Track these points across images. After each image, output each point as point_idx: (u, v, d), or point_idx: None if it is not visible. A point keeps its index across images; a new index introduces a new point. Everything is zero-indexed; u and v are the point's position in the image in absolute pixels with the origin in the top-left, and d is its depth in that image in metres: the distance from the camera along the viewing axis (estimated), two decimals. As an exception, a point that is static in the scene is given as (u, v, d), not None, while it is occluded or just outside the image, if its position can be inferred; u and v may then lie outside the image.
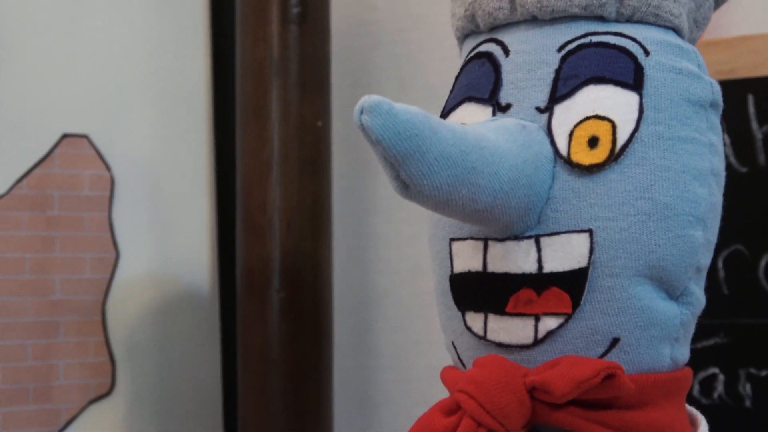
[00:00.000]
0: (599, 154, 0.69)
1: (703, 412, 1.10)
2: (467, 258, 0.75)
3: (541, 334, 0.70)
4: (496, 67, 0.77)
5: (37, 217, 1.25)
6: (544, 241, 0.70)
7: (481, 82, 0.78)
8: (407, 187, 0.64)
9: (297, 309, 1.29)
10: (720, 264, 1.16)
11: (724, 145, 1.12)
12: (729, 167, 1.11)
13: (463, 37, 0.82)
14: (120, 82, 1.32)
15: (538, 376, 0.67)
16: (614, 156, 0.68)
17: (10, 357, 1.22)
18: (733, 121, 1.15)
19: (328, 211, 1.34)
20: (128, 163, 1.33)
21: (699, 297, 0.73)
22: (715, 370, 1.16)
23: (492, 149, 0.67)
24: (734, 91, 1.13)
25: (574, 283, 0.69)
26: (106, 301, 1.31)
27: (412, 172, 0.63)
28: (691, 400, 1.11)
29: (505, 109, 0.75)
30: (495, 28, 0.79)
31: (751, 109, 1.15)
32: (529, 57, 0.75)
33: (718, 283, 1.16)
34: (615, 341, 0.69)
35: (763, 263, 1.14)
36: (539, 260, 0.70)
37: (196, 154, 1.42)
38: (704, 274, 0.74)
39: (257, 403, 1.30)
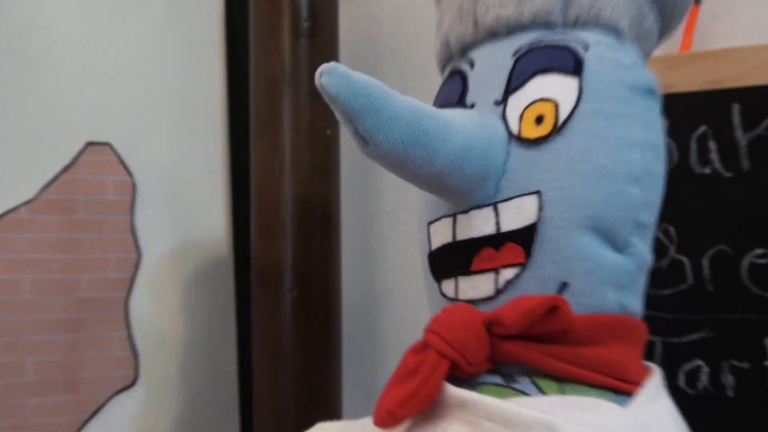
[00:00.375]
0: (545, 129, 0.76)
1: (688, 402, 1.12)
2: (440, 234, 0.81)
3: (501, 284, 0.76)
4: (464, 78, 0.84)
5: (64, 220, 1.26)
6: (501, 206, 0.77)
7: (452, 92, 0.84)
8: (366, 143, 0.71)
9: (308, 306, 1.31)
10: (705, 263, 1.19)
11: (710, 151, 1.17)
12: (715, 172, 1.16)
13: (443, 66, 0.89)
14: (141, 93, 1.35)
15: (492, 312, 0.72)
16: (557, 129, 0.75)
17: (40, 351, 1.22)
18: (719, 128, 1.18)
19: (337, 213, 1.36)
20: (149, 169, 1.35)
21: (643, 251, 0.79)
22: (700, 362, 1.18)
23: (446, 120, 0.74)
24: (720, 100, 1.19)
25: (526, 237, 0.75)
26: (129, 298, 1.33)
27: (367, 127, 0.70)
28: (677, 390, 1.14)
29: (470, 108, 0.82)
30: (465, 49, 0.86)
31: (736, 118, 1.18)
32: (490, 65, 0.82)
33: (704, 280, 1.19)
34: (564, 285, 0.75)
35: (745, 262, 1.16)
36: (497, 223, 0.77)
37: (213, 160, 1.44)
38: (648, 232, 0.80)
39: (271, 394, 1.31)
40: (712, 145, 1.19)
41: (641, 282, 0.80)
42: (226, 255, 1.46)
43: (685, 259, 1.20)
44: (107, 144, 1.32)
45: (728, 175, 1.18)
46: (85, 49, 1.30)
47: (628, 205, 0.76)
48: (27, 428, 1.22)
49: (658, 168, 0.80)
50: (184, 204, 1.41)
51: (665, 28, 0.90)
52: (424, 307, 0.86)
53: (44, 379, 1.25)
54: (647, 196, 0.78)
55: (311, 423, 0.98)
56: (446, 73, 0.87)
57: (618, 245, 0.77)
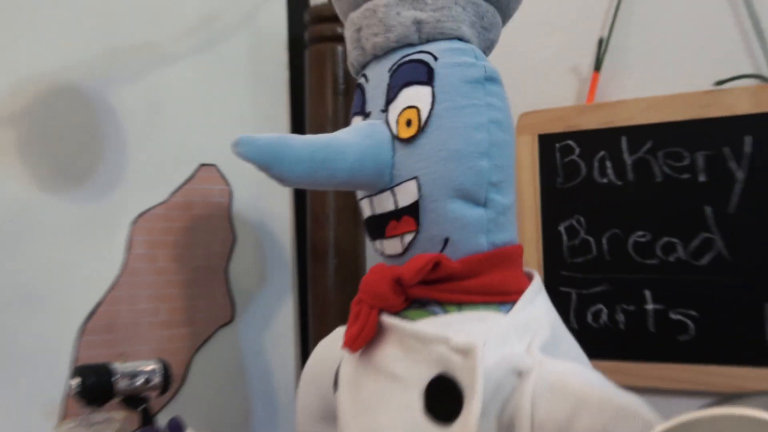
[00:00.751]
0: (413, 130, 0.74)
1: (593, 333, 1.14)
2: (366, 209, 0.81)
3: (405, 245, 0.76)
4: (363, 91, 0.82)
5: (185, 215, 1.26)
6: (396, 189, 0.76)
7: (358, 102, 0.83)
8: (282, 181, 0.72)
9: (344, 270, 1.30)
10: (604, 241, 1.19)
11: (607, 168, 1.18)
12: (610, 182, 1.18)
13: (355, 77, 0.87)
14: (235, 132, 1.27)
15: (397, 271, 0.73)
16: (421, 128, 0.74)
17: (170, 300, 1.24)
18: (613, 153, 1.18)
19: None
20: (240, 181, 1.35)
21: (501, 201, 0.77)
22: (601, 306, 1.19)
23: (340, 143, 0.74)
24: (613, 134, 1.19)
25: (414, 210, 0.75)
26: (228, 266, 1.33)
27: (277, 172, 0.70)
28: (586, 325, 1.17)
29: (368, 115, 0.80)
30: (362, 68, 0.84)
31: (624, 146, 1.18)
32: (377, 79, 0.80)
33: (603, 252, 1.19)
34: (447, 240, 0.75)
35: (631, 240, 1.17)
36: (395, 202, 0.76)
37: None
38: (503, 185, 0.77)
39: (320, 329, 1.30)
40: (608, 164, 1.19)
41: (507, 219, 0.79)
42: (290, 236, 1.44)
43: (591, 239, 1.21)
44: (213, 165, 1.31)
45: (619, 183, 1.19)
46: (199, 106, 1.30)
47: (481, 174, 0.75)
48: (162, 350, 1.21)
49: (504, 136, 0.78)
50: (263, 203, 1.39)
51: (505, 17, 0.87)
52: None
53: (172, 319, 1.25)
54: (496, 161, 0.76)
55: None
56: (356, 86, 0.85)
57: (480, 203, 0.75)
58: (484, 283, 0.74)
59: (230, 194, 1.35)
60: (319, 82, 1.32)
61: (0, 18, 1.07)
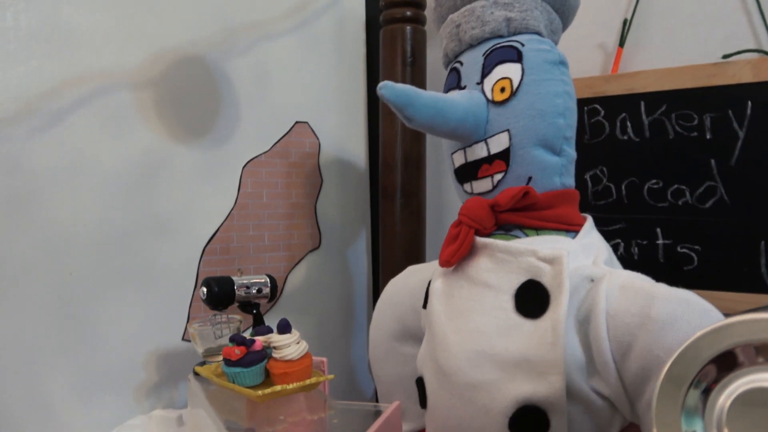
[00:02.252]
0: (506, 95, 0.77)
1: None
2: (459, 159, 0.83)
3: (494, 183, 0.79)
4: (458, 72, 0.84)
5: (284, 162, 1.28)
6: (489, 140, 0.78)
7: (453, 80, 0.85)
8: (410, 121, 0.75)
9: (409, 207, 1.31)
10: (623, 187, 1.16)
11: (627, 127, 1.15)
12: (629, 138, 1.14)
13: (446, 67, 0.90)
14: (323, 97, 1.36)
15: (493, 199, 0.77)
16: (513, 93, 0.77)
17: (272, 229, 1.25)
18: (633, 114, 1.15)
19: (424, 158, 1.34)
20: (327, 135, 1.36)
21: (570, 152, 0.80)
22: (619, 240, 1.17)
23: (452, 100, 0.77)
24: (633, 100, 1.15)
25: (505, 155, 0.77)
26: (316, 203, 1.34)
27: (408, 113, 0.73)
28: None
29: (463, 88, 0.82)
30: (456, 56, 0.86)
31: (642, 109, 1.14)
32: (471, 62, 0.82)
33: (622, 197, 1.16)
34: (530, 179, 0.78)
35: (646, 187, 1.14)
36: (488, 150, 0.78)
37: (359, 131, 1.44)
38: (572, 140, 0.80)
39: (388, 255, 1.32)
40: (628, 123, 1.16)
41: (572, 169, 0.82)
42: (366, 179, 1.47)
43: (612, 185, 1.18)
44: (306, 122, 1.32)
45: (637, 140, 1.15)
46: (295, 74, 1.31)
47: (559, 129, 0.78)
48: (265, 269, 1.25)
49: (573, 104, 0.81)
50: (344, 153, 1.42)
51: (564, 25, 0.90)
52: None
53: (273, 244, 1.26)
54: (568, 121, 0.80)
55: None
56: (448, 70, 0.88)
57: (556, 152, 0.78)
58: (558, 213, 0.77)
59: (319, 146, 1.35)
60: (391, 55, 1.31)
61: (141, 3, 1.08)
